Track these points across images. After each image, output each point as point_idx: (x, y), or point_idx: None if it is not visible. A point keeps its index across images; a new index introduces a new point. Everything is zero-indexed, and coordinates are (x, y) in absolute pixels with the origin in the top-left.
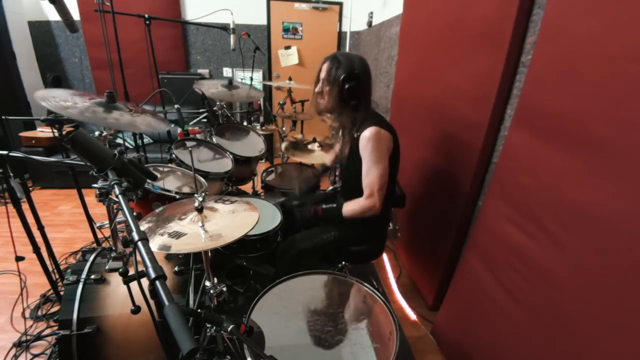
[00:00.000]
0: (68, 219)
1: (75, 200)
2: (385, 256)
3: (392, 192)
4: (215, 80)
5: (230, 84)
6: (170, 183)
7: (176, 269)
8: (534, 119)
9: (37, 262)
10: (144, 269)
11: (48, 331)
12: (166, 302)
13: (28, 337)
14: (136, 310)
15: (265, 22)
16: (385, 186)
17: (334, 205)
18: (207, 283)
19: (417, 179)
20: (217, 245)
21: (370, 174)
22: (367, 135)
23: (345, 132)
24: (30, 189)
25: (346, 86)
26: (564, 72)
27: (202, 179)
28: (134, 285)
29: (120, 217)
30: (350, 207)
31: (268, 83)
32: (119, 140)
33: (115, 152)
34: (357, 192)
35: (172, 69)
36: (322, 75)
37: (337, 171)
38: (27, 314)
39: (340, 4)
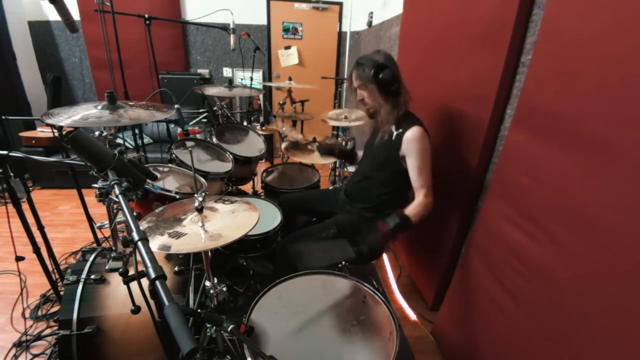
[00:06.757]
0: (68, 219)
1: (75, 200)
2: (385, 256)
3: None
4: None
5: (230, 83)
6: (170, 183)
7: (176, 269)
8: (534, 119)
9: (37, 262)
10: (144, 269)
11: (48, 331)
12: (166, 302)
13: (28, 337)
14: (136, 310)
15: (265, 22)
16: None
17: (394, 216)
18: (207, 283)
19: None
20: (217, 245)
21: (425, 173)
22: (416, 135)
23: (381, 127)
24: (31, 189)
25: (380, 77)
26: (564, 72)
27: (202, 179)
28: (134, 285)
29: (120, 217)
30: (416, 211)
31: (268, 83)
32: (119, 140)
33: (115, 152)
34: (370, 191)
35: (172, 69)
36: (356, 84)
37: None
38: (27, 314)
39: (340, 4)
